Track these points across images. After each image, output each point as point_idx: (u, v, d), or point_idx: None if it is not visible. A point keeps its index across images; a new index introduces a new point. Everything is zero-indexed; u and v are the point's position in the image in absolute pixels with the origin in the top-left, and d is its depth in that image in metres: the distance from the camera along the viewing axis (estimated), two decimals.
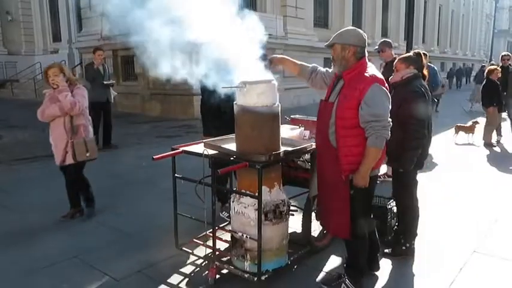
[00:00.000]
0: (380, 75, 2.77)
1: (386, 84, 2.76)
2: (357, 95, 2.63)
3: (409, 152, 3.32)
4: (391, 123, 2.70)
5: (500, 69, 8.35)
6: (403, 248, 3.60)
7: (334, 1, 19.47)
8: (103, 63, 8.42)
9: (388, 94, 2.73)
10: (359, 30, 2.82)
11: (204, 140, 3.41)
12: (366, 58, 2.80)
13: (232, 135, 3.28)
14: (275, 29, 15.03)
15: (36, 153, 7.82)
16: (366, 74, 2.71)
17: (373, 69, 2.79)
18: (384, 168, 5.24)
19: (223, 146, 3.22)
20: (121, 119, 11.64)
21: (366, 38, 2.82)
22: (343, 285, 2.97)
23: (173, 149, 3.38)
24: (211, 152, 3.16)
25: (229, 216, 4.04)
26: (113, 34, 14.90)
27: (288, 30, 16.23)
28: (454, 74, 28.38)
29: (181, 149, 3.38)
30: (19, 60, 23.26)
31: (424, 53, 3.59)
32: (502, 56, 9.11)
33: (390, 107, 2.73)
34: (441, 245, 3.87)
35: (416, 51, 3.61)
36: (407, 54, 3.64)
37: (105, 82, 8.24)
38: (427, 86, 3.53)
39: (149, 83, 14.48)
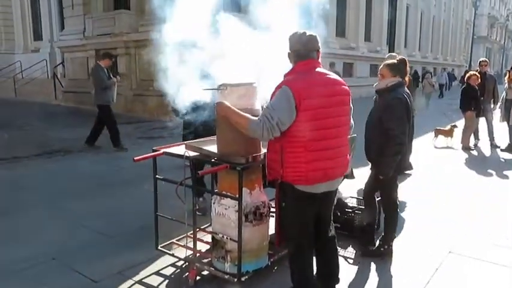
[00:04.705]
0: (297, 78, 2.50)
1: (300, 86, 2.46)
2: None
3: (388, 157, 3.38)
4: (276, 123, 2.43)
5: (479, 75, 8.56)
6: (382, 249, 3.67)
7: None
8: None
9: (288, 97, 2.42)
10: (297, 33, 2.60)
11: (185, 142, 3.42)
12: (309, 60, 2.58)
13: (214, 137, 3.30)
14: None
15: (15, 153, 7.70)
16: (286, 77, 2.58)
17: (304, 73, 2.55)
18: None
19: (204, 147, 3.23)
20: None
21: (306, 39, 2.58)
22: None
23: (154, 150, 3.37)
24: (192, 153, 3.17)
25: (200, 210, 4.07)
26: (95, 33, 14.80)
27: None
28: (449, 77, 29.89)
29: (162, 150, 3.38)
30: None
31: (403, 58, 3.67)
32: (480, 61, 9.34)
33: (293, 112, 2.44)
34: (418, 246, 3.95)
35: (400, 58, 3.67)
36: (393, 61, 3.65)
37: (114, 79, 8.15)
38: (409, 93, 3.60)
39: (132, 83, 14.36)
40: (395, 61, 3.66)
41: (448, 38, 37.93)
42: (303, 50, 2.58)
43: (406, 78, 3.64)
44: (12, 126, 10.91)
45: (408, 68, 3.64)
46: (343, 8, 21.51)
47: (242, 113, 2.66)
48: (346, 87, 2.67)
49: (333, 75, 2.66)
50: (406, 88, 3.59)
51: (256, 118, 2.55)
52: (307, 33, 2.60)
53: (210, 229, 3.49)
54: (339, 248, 3.66)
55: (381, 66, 3.66)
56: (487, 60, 9.55)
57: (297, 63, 2.60)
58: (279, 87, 2.50)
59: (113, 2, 15.75)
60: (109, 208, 4.94)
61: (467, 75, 8.83)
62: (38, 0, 22.79)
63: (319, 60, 2.66)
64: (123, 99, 14.52)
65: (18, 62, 21.50)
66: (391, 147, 3.35)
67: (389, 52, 10.62)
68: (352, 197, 4.36)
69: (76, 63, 16.46)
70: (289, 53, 2.64)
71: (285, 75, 2.61)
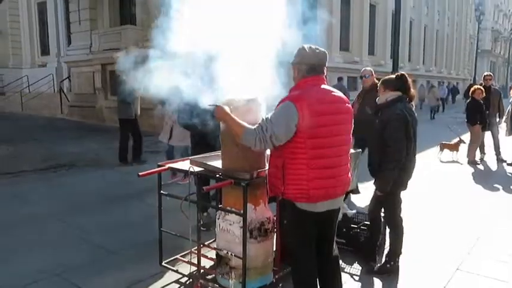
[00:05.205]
0: (303, 95, 2.48)
1: (305, 103, 2.43)
2: None
3: (385, 171, 3.38)
4: (269, 136, 2.45)
5: (483, 89, 8.55)
6: (388, 266, 3.62)
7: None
8: None
9: (290, 113, 2.42)
10: (306, 47, 2.59)
11: (190, 157, 3.42)
12: (316, 76, 2.58)
13: (218, 153, 3.30)
14: None
15: (21, 167, 7.73)
16: (292, 92, 2.58)
17: (311, 89, 2.53)
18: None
19: (209, 163, 3.23)
20: (110, 134, 11.58)
21: (315, 55, 2.58)
22: None
23: (159, 166, 3.38)
24: (197, 169, 3.17)
25: (204, 225, 4.07)
26: (101, 48, 14.98)
27: None
28: (450, 90, 30.40)
29: (167, 165, 3.39)
30: (6, 73, 23.11)
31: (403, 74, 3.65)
32: (485, 76, 9.33)
33: (289, 126, 2.43)
34: (425, 262, 3.90)
35: (398, 73, 3.67)
36: (389, 77, 3.68)
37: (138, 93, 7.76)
38: (411, 108, 3.58)
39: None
40: (392, 76, 3.67)
41: (452, 52, 38.01)
42: (317, 65, 2.58)
43: (413, 92, 3.61)
44: (18, 140, 10.98)
45: (410, 83, 3.61)
46: (346, 22, 21.67)
47: (239, 120, 2.66)
48: (349, 106, 2.67)
49: (338, 93, 2.65)
50: (409, 103, 3.57)
51: (253, 127, 2.55)
52: (320, 48, 2.60)
53: (214, 245, 3.47)
54: (344, 264, 3.64)
55: None
56: (491, 74, 9.55)
57: (306, 77, 2.57)
58: (283, 101, 2.50)
59: (119, 18, 15.97)
60: (113, 223, 4.92)
61: (472, 89, 8.82)
62: (46, 16, 23.14)
63: (325, 76, 2.67)
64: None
65: (25, 77, 21.74)
66: (387, 163, 3.36)
67: (393, 66, 10.60)
68: (358, 213, 4.33)
69: (82, 77, 16.62)
70: (297, 66, 2.60)
71: (291, 90, 2.61)
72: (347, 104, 2.65)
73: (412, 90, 3.59)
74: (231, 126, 2.70)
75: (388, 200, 3.57)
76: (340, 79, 14.70)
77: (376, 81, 5.86)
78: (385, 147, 3.35)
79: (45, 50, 23.70)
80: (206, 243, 3.70)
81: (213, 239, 3.66)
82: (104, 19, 16.01)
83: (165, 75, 3.22)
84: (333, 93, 2.60)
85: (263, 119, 2.54)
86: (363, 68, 6.03)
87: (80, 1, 16.39)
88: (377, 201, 3.66)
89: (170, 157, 6.75)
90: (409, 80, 3.59)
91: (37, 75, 21.28)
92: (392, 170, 3.35)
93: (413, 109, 3.60)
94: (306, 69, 2.57)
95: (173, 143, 6.82)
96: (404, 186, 3.56)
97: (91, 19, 16.25)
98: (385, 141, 3.36)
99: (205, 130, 3.97)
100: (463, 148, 9.00)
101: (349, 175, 2.70)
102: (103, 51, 15.06)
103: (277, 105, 2.54)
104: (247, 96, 2.99)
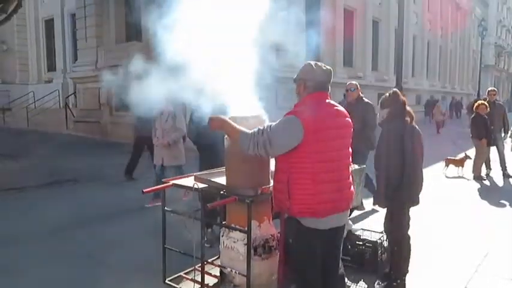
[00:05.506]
0: (309, 110, 2.49)
1: (311, 119, 2.45)
2: None
3: (378, 187, 3.50)
4: (263, 141, 2.49)
5: (487, 104, 8.54)
6: (394, 284, 3.57)
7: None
8: None
9: (293, 127, 2.44)
10: (313, 64, 2.62)
11: (194, 174, 3.41)
12: (322, 92, 2.60)
13: (223, 169, 3.29)
14: None
15: (25, 183, 7.76)
16: (297, 107, 2.58)
17: (317, 105, 2.54)
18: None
19: (213, 179, 3.22)
20: (114, 149, 11.63)
21: (323, 72, 2.61)
22: None
23: (163, 182, 3.37)
24: (201, 185, 3.16)
25: (208, 242, 4.05)
26: (107, 65, 15.15)
27: None
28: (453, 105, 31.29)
29: (171, 182, 3.38)
30: (12, 89, 23.34)
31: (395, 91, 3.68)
32: (489, 91, 9.32)
33: (285, 140, 2.47)
34: (432, 281, 3.84)
35: (392, 90, 3.71)
36: (384, 95, 3.72)
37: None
38: (408, 123, 3.53)
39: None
40: (386, 94, 3.71)
41: (455, 67, 38.09)
42: (324, 82, 2.61)
43: (409, 110, 3.61)
44: (23, 155, 11.04)
45: (402, 97, 3.61)
46: (350, 38, 21.84)
47: (236, 125, 2.69)
48: (350, 120, 2.70)
49: (339, 107, 2.68)
50: (407, 119, 3.55)
51: (250, 131, 2.58)
52: (326, 66, 2.64)
53: (218, 262, 3.44)
54: (349, 282, 3.58)
55: None
56: (495, 89, 9.54)
57: (312, 94, 2.59)
58: (287, 114, 2.53)
59: (125, 34, 16.19)
60: (116, 239, 4.90)
61: (476, 104, 8.82)
62: (53, 33, 23.51)
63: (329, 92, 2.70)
64: (132, 128, 14.68)
65: (32, 93, 21.98)
66: (380, 178, 3.45)
67: (396, 81, 10.64)
68: (363, 229, 4.28)
69: (88, 93, 16.78)
70: (303, 82, 2.61)
71: (296, 105, 2.63)
72: (347, 118, 2.68)
73: (407, 106, 3.59)
74: (229, 133, 2.75)
75: (394, 216, 3.55)
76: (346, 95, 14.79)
77: (361, 94, 5.90)
78: (379, 163, 3.50)
79: (51, 66, 24.01)
80: (210, 260, 3.66)
81: (217, 256, 3.63)
82: (110, 36, 16.24)
83: (169, 89, 3.26)
84: (335, 107, 2.64)
85: (264, 125, 2.58)
86: (348, 82, 6.04)
87: (87, 18, 16.65)
88: (392, 220, 3.62)
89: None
90: (401, 96, 3.60)
91: (43, 91, 21.52)
92: (384, 186, 3.44)
93: (413, 124, 3.59)
94: (313, 86, 2.59)
95: (169, 163, 6.26)
96: (412, 201, 3.53)
97: (97, 36, 16.48)
98: (378, 156, 3.52)
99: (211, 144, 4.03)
100: (469, 163, 8.95)
101: (352, 189, 2.70)
102: (109, 68, 15.23)
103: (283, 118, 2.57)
104: (250, 113, 2.99)
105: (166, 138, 6.12)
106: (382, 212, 3.79)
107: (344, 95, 16.18)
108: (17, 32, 24.62)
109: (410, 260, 3.62)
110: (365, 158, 5.42)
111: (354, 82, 6.01)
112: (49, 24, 23.90)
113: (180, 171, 6.02)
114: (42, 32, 24.59)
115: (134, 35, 15.48)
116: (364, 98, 5.90)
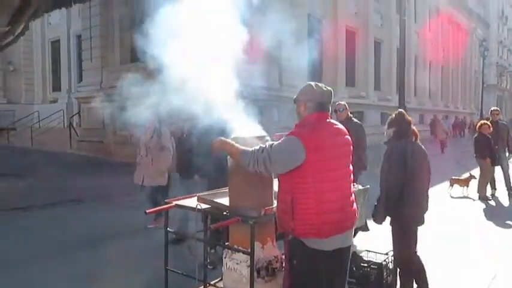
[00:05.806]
0: (310, 130, 2.52)
1: (312, 139, 2.48)
2: None
3: (377, 204, 3.54)
4: (263, 158, 2.52)
5: (490, 124, 8.53)
6: None
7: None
8: None
9: (294, 148, 2.46)
10: (314, 85, 2.65)
11: (197, 194, 3.40)
12: (322, 113, 2.62)
13: (226, 189, 3.28)
14: None
15: (30, 202, 7.74)
16: (298, 128, 2.60)
17: (317, 125, 2.57)
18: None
19: (216, 200, 3.21)
20: (118, 169, 11.63)
21: (323, 92, 2.63)
22: None
23: (166, 203, 3.36)
24: (204, 206, 3.14)
25: (211, 263, 3.98)
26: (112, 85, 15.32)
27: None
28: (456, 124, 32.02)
29: (174, 202, 3.36)
30: (18, 108, 23.58)
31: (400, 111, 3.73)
32: (492, 111, 9.32)
33: (285, 161, 2.50)
34: None
35: (398, 111, 3.77)
36: (391, 116, 3.79)
37: None
38: (407, 143, 3.57)
39: None
40: (392, 115, 3.77)
41: (457, 87, 38.28)
42: (324, 103, 2.64)
43: (414, 129, 3.66)
44: (27, 174, 11.05)
45: (408, 117, 3.67)
46: (352, 58, 22.04)
47: (237, 145, 2.72)
48: (349, 137, 2.73)
49: (339, 125, 2.73)
50: (404, 140, 3.59)
51: (251, 149, 2.62)
52: (326, 87, 2.68)
53: (220, 284, 3.38)
54: None
55: None
56: (498, 109, 9.55)
57: (313, 114, 2.61)
58: (289, 135, 2.55)
59: (129, 55, 16.39)
60: (119, 260, 4.84)
61: (478, 124, 8.81)
62: (59, 54, 23.86)
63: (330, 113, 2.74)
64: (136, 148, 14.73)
65: (37, 112, 22.18)
66: (381, 194, 3.53)
67: (399, 101, 10.67)
68: (368, 251, 4.22)
69: (92, 113, 16.90)
70: (304, 103, 2.63)
71: (297, 126, 2.64)
72: (347, 136, 2.71)
73: (412, 125, 3.65)
74: (230, 152, 2.78)
75: (399, 236, 3.52)
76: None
77: (350, 115, 5.91)
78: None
79: (56, 87, 24.30)
80: (212, 282, 3.61)
81: (220, 278, 3.58)
82: (115, 56, 16.45)
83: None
84: (335, 125, 2.69)
85: (266, 144, 2.62)
86: (337, 102, 6.05)
87: (93, 39, 16.91)
88: (398, 241, 3.59)
89: (154, 201, 5.84)
90: (407, 116, 3.67)
91: (48, 110, 21.71)
92: (381, 204, 3.52)
93: (418, 143, 3.61)
94: (313, 107, 2.62)
95: (149, 183, 6.10)
96: (416, 221, 3.52)
97: (102, 56, 16.71)
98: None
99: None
100: (474, 183, 8.87)
101: (355, 207, 2.70)
102: (113, 88, 15.39)
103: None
104: (254, 133, 3.00)
105: (150, 156, 6.00)
106: (387, 233, 3.74)
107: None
108: (24, 53, 25.04)
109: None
110: (356, 178, 5.39)
111: (342, 102, 6.05)
112: (55, 45, 24.31)
113: (160, 193, 5.88)
114: (48, 53, 25.00)
115: (139, 56, 15.68)
116: (353, 118, 5.92)
